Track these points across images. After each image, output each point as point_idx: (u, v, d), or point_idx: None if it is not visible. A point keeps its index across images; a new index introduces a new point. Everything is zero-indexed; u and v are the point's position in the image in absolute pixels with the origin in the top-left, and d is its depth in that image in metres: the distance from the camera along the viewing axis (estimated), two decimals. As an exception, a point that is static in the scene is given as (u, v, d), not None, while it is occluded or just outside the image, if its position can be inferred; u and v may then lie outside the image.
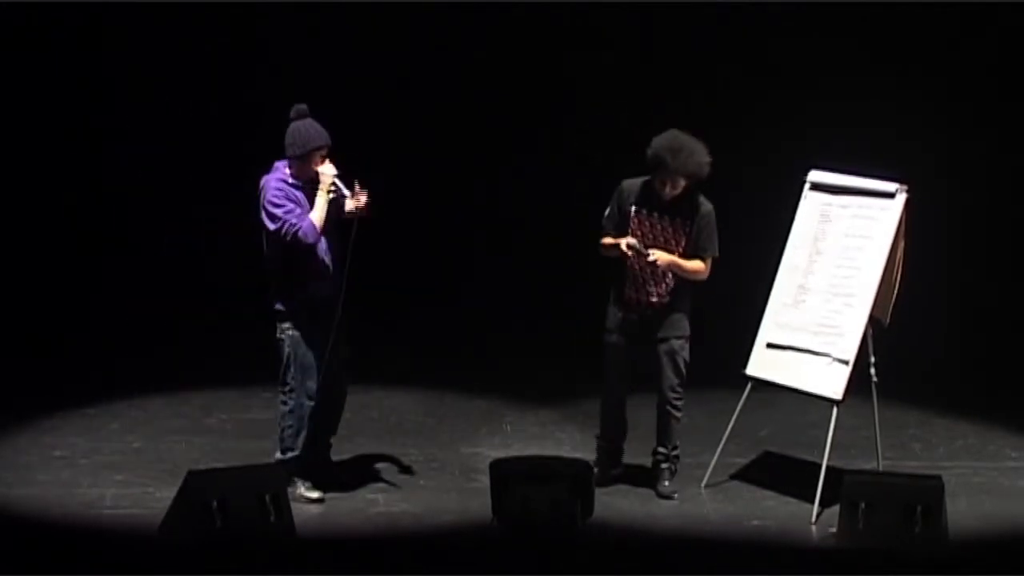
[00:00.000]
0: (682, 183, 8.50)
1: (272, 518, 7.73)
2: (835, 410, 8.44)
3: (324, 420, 8.63)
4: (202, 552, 7.54)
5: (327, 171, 8.38)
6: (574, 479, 8.00)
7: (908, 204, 8.54)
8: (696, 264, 8.59)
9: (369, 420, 10.09)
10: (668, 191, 8.51)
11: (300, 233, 8.25)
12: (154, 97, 12.17)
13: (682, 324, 8.69)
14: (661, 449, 8.82)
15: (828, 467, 8.38)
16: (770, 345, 8.74)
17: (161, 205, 12.15)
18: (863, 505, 7.78)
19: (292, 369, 8.41)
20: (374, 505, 8.53)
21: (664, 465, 8.79)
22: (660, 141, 8.49)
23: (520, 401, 10.47)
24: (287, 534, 7.80)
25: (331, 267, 8.45)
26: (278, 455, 8.50)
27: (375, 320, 11.75)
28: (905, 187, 8.55)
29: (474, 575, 7.52)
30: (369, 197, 8.44)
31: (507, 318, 11.79)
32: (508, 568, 7.60)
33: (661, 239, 8.59)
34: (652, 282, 8.62)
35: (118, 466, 9.07)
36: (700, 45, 12.05)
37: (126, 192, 12.28)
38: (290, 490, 8.17)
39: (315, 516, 8.28)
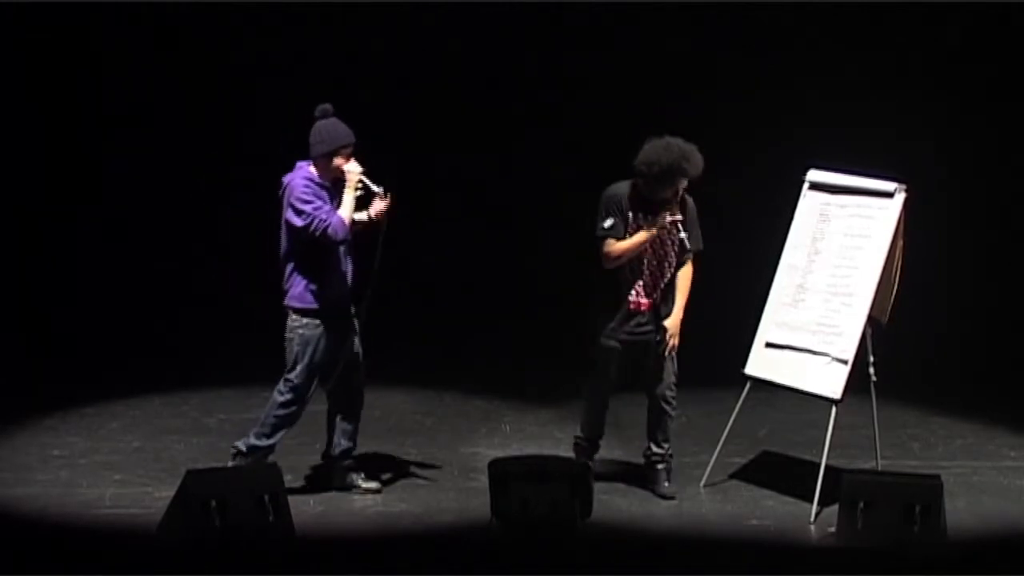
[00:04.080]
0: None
1: (270, 518, 7.73)
2: (834, 409, 8.44)
3: (344, 421, 8.69)
4: (201, 552, 7.55)
5: (353, 169, 8.43)
6: (573, 479, 8.00)
7: (907, 203, 8.54)
8: (687, 278, 8.67)
9: (369, 420, 10.04)
10: (677, 196, 8.52)
11: (330, 229, 8.27)
12: (154, 98, 12.17)
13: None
14: (657, 449, 8.79)
15: (827, 466, 8.38)
16: (769, 344, 8.74)
17: (161, 204, 12.15)
18: (862, 504, 7.78)
19: (299, 368, 8.43)
20: (373, 505, 8.53)
21: (661, 466, 8.78)
22: (666, 152, 8.44)
23: (519, 401, 10.48)
24: (286, 534, 7.80)
25: (347, 269, 8.49)
26: (253, 440, 8.48)
27: (375, 320, 11.78)
28: (904, 186, 8.55)
29: (473, 575, 7.52)
30: (388, 204, 8.50)
31: (506, 318, 11.79)
32: (507, 568, 7.61)
33: (658, 240, 8.61)
34: (661, 282, 8.65)
35: (117, 466, 9.08)
36: (700, 45, 12.05)
37: (126, 191, 12.27)
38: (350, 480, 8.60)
39: (314, 516, 8.28)
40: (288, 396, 8.47)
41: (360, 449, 9.38)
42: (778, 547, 8.03)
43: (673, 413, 8.77)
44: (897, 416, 9.99)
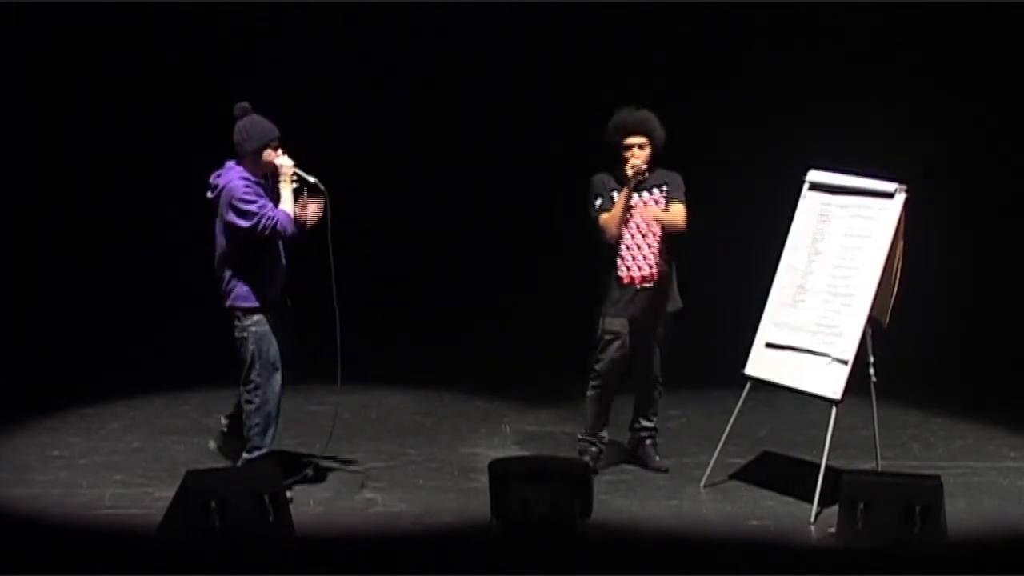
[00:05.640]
0: (648, 146, 8.73)
1: (271, 518, 7.73)
2: (834, 410, 8.44)
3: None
4: (201, 552, 7.54)
5: (286, 162, 8.41)
6: (573, 479, 7.99)
7: (907, 204, 8.54)
8: (676, 208, 8.77)
9: (368, 420, 10.10)
10: (638, 154, 8.72)
11: (279, 226, 8.26)
12: (154, 96, 12.17)
13: (676, 296, 8.92)
14: (648, 423, 9.02)
15: (827, 467, 8.38)
16: (769, 345, 8.74)
17: (161, 204, 12.15)
18: (862, 505, 7.78)
19: (257, 366, 8.42)
20: (373, 505, 8.53)
21: (649, 441, 9.03)
22: (615, 116, 8.83)
23: (519, 401, 10.47)
24: (286, 534, 7.80)
25: (282, 261, 8.51)
26: (245, 455, 8.49)
27: (374, 320, 11.79)
28: (904, 187, 8.55)
29: (473, 575, 7.52)
30: (322, 200, 8.47)
31: (506, 318, 11.79)
32: (507, 568, 7.60)
33: (644, 211, 8.79)
34: (649, 252, 8.78)
35: (117, 466, 9.07)
36: (699, 45, 12.05)
37: (126, 191, 12.28)
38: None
39: (314, 516, 8.27)
40: (257, 398, 8.43)
41: (360, 449, 9.40)
42: (778, 547, 8.03)
43: (662, 388, 9.01)
44: (897, 416, 10.00)
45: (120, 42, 12.13)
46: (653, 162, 8.81)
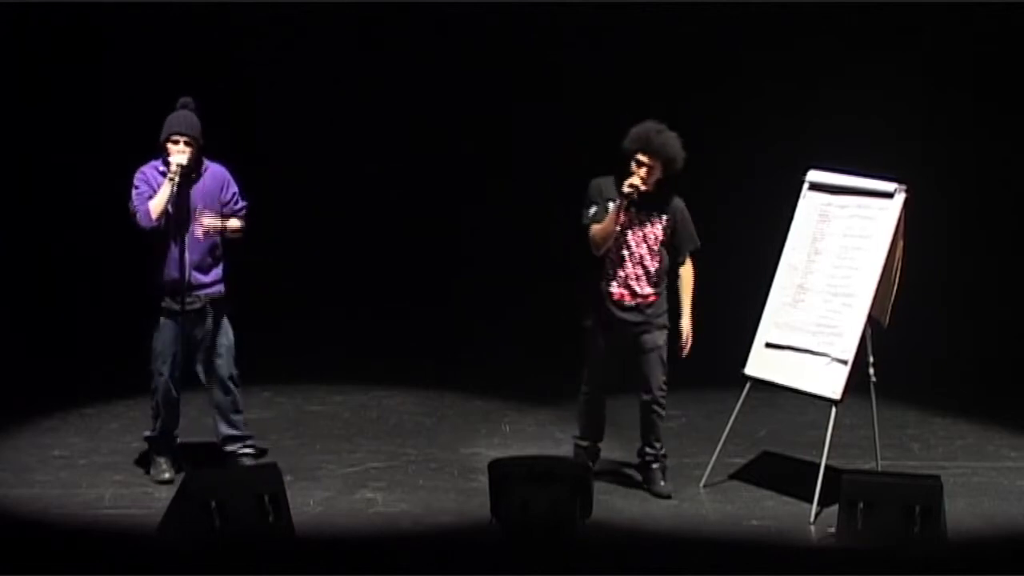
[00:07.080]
0: (659, 169, 8.48)
1: (271, 518, 7.73)
2: (834, 410, 8.44)
3: (220, 408, 8.85)
4: (201, 552, 7.55)
5: (174, 159, 8.54)
6: (573, 479, 7.99)
7: (907, 204, 8.54)
8: (689, 276, 8.64)
9: (368, 420, 10.09)
10: (644, 175, 8.45)
11: (137, 216, 8.56)
12: (153, 96, 12.15)
13: (664, 315, 8.67)
14: (650, 449, 8.76)
15: (827, 467, 8.38)
16: (769, 345, 8.74)
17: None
18: (862, 505, 7.79)
19: (154, 353, 8.73)
20: (373, 505, 8.53)
21: (655, 465, 8.75)
22: (640, 126, 8.52)
23: (519, 401, 10.47)
24: (286, 534, 7.80)
25: (182, 256, 8.62)
26: (145, 433, 8.88)
27: (374, 321, 11.79)
28: (904, 187, 8.55)
29: (473, 575, 7.52)
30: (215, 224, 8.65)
31: (505, 318, 11.79)
32: (507, 568, 7.60)
33: (640, 234, 8.58)
34: (643, 274, 8.59)
35: (117, 466, 9.07)
36: (699, 45, 12.05)
37: (125, 191, 12.26)
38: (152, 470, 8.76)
39: (314, 516, 8.27)
40: (153, 383, 8.75)
41: (360, 449, 9.40)
42: (778, 547, 8.03)
43: (663, 414, 8.73)
44: (897, 416, 10.00)
45: (119, 40, 12.12)
46: (661, 186, 8.54)
